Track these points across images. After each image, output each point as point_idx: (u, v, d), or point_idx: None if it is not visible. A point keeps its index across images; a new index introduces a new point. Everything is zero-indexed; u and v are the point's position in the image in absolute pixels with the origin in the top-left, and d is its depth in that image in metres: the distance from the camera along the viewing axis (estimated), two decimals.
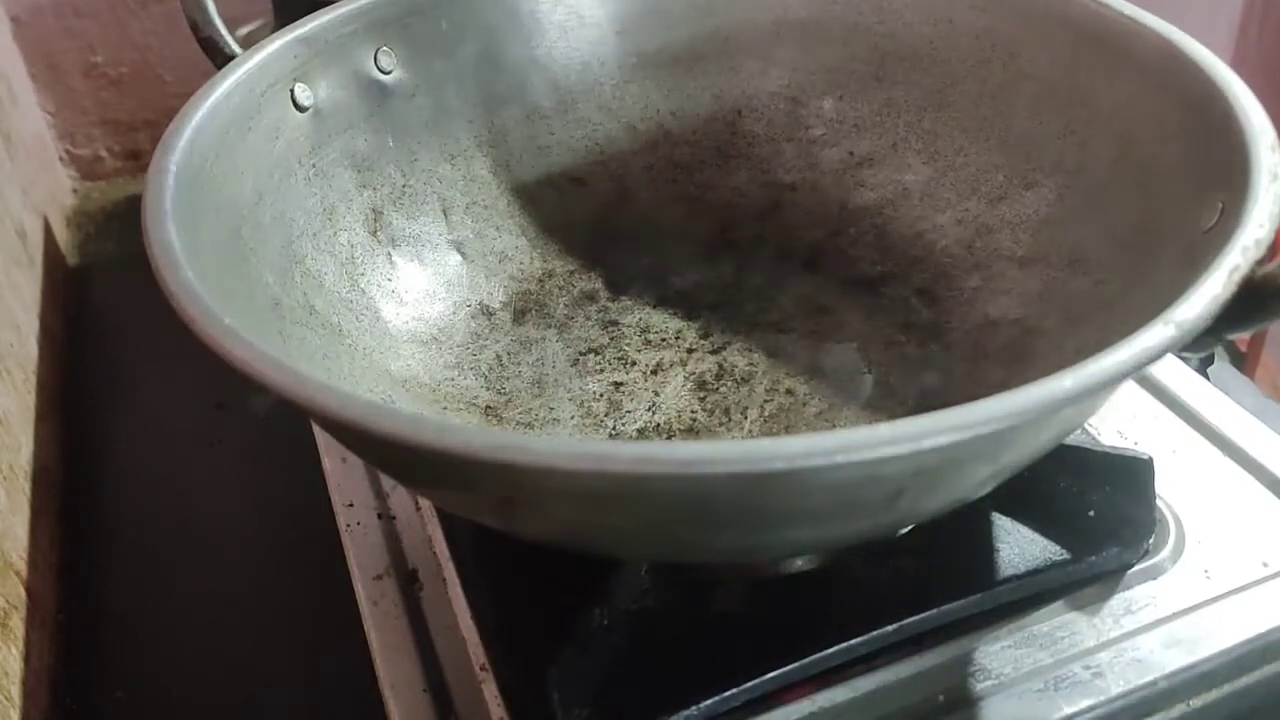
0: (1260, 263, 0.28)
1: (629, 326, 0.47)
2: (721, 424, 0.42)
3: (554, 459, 0.23)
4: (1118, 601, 0.37)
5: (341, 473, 0.44)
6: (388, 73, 0.45)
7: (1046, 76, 0.43)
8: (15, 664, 0.43)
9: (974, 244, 0.45)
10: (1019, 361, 0.41)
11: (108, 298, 0.73)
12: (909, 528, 0.36)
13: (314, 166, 0.42)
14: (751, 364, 0.45)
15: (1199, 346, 0.27)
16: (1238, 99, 0.33)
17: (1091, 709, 0.34)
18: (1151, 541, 0.39)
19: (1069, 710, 0.34)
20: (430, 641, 0.37)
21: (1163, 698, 0.35)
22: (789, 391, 0.44)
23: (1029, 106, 0.44)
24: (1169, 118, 0.37)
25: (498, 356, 0.45)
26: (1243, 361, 1.01)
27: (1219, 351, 0.90)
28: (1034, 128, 0.44)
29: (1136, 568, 0.38)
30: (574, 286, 0.49)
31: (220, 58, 0.42)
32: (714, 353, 0.46)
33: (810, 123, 0.50)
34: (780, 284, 0.49)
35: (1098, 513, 0.39)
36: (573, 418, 0.43)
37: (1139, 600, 0.37)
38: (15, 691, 0.42)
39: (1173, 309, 0.26)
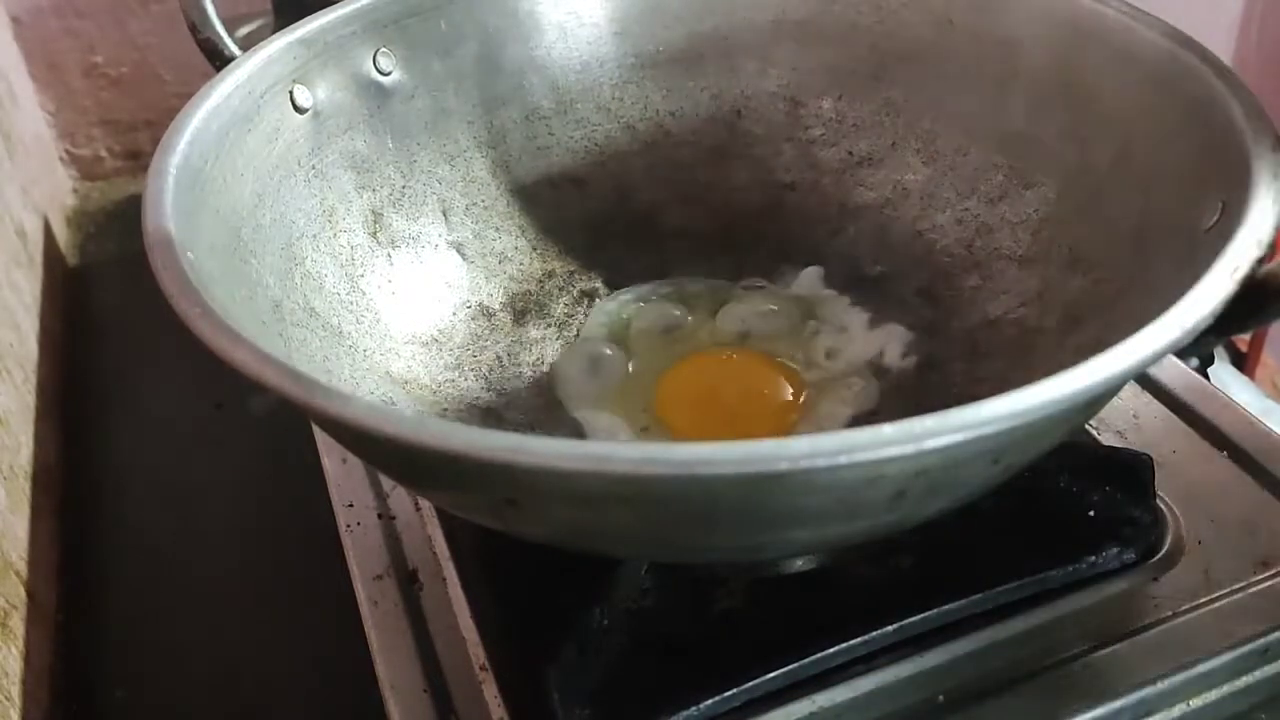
0: (1261, 262, 0.28)
1: None
2: None
3: (555, 460, 0.23)
4: (1118, 601, 0.37)
5: (341, 473, 0.44)
6: (387, 74, 0.45)
7: (1047, 77, 0.43)
8: (15, 664, 0.43)
9: (974, 244, 0.45)
10: (1019, 361, 0.41)
11: (108, 298, 0.73)
12: (910, 527, 0.36)
13: (313, 168, 0.42)
14: None
15: (1199, 346, 0.27)
16: (1238, 98, 0.33)
17: (1091, 709, 0.34)
18: (1151, 541, 0.39)
19: (1068, 710, 0.34)
20: (430, 641, 0.37)
21: (1163, 698, 0.35)
22: None
23: (1029, 106, 0.44)
24: (1169, 117, 0.37)
25: (498, 357, 0.45)
26: (1243, 361, 1.01)
27: (1219, 351, 0.90)
28: (1034, 128, 0.44)
29: (1136, 568, 0.38)
30: (574, 287, 0.49)
31: (219, 59, 0.42)
32: None
33: (809, 123, 0.50)
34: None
35: (1098, 513, 0.39)
36: None
37: (1139, 600, 0.37)
38: (15, 691, 0.42)
39: (1173, 309, 0.26)
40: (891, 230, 0.48)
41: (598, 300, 0.48)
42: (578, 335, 0.47)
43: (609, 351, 0.45)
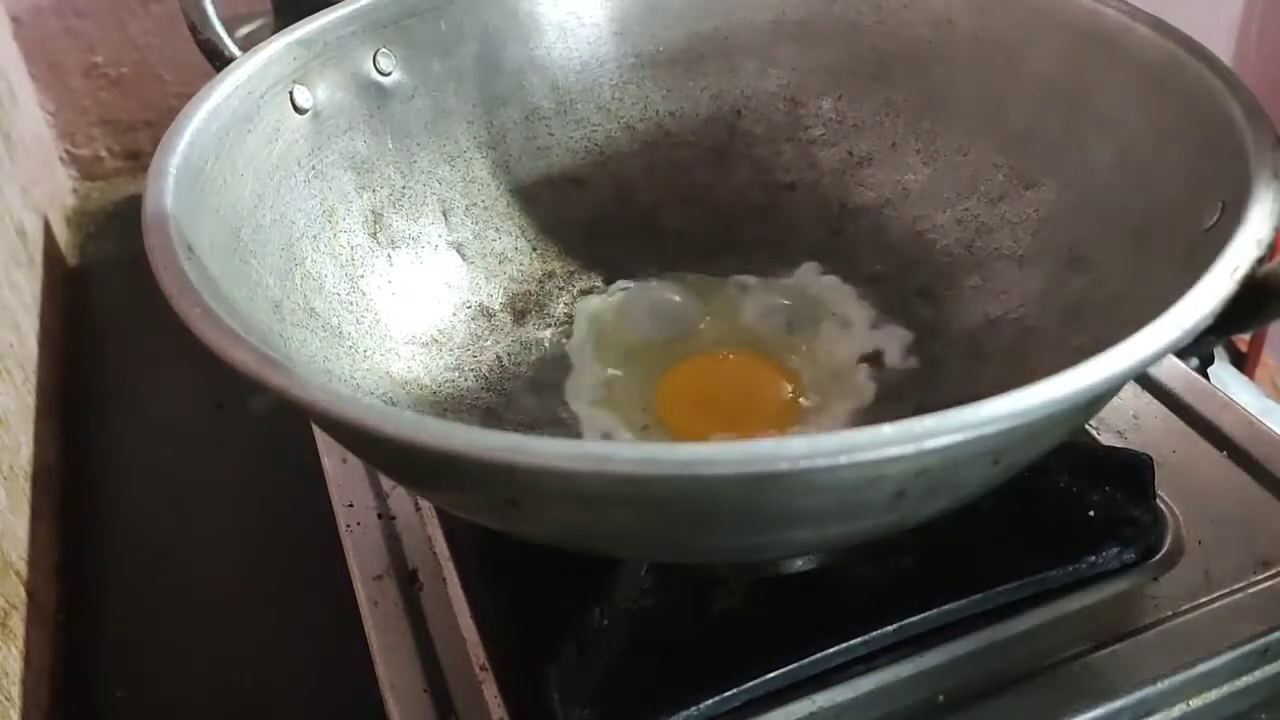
0: (1261, 262, 0.28)
1: None
2: None
3: (555, 460, 0.23)
4: (1117, 601, 0.37)
5: (341, 473, 0.44)
6: (387, 74, 0.45)
7: (1046, 76, 0.43)
8: (15, 664, 0.43)
9: (974, 244, 0.45)
10: (1019, 361, 0.41)
11: (108, 298, 0.73)
12: (910, 527, 0.36)
13: (313, 168, 0.42)
14: None
15: (1199, 346, 0.27)
16: (1238, 98, 0.33)
17: (1091, 709, 0.34)
18: (1151, 541, 0.39)
19: (1068, 710, 0.34)
20: (430, 641, 0.37)
21: (1163, 698, 0.35)
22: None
23: (1029, 106, 0.44)
24: (1169, 117, 0.37)
25: (498, 358, 0.45)
26: (1243, 361, 1.01)
27: (1219, 351, 0.90)
28: (1034, 128, 0.44)
29: (1136, 568, 0.38)
30: (574, 287, 0.49)
31: (219, 60, 0.42)
32: None
33: (809, 123, 0.50)
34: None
35: (1098, 513, 0.39)
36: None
37: (1139, 600, 0.37)
38: (15, 691, 0.42)
39: (1173, 309, 0.26)
40: (891, 230, 0.48)
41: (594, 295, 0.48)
42: (572, 330, 0.47)
43: (599, 358, 0.45)
